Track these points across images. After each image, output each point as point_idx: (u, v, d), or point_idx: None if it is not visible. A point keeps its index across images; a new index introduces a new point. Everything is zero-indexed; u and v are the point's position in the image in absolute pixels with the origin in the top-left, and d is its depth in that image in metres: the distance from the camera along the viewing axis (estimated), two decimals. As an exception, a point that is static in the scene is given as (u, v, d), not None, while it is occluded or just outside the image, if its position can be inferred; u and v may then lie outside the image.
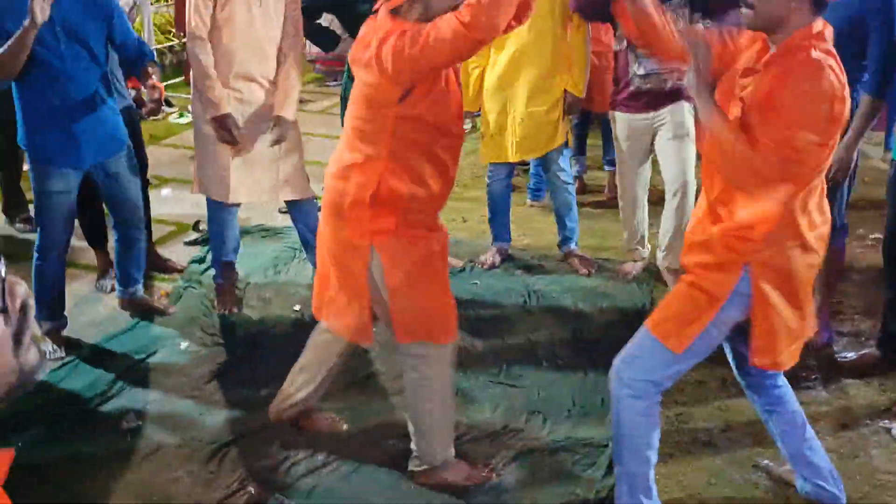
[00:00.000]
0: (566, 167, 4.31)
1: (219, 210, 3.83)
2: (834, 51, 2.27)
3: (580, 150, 5.47)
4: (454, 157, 2.67)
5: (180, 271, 4.33)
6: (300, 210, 3.89)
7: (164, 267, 4.34)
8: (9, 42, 2.99)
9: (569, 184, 4.33)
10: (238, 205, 3.88)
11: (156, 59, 3.49)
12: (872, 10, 3.15)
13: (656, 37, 2.57)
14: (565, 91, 4.09)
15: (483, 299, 4.09)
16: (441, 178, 2.62)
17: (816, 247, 2.41)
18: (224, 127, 3.55)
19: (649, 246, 4.28)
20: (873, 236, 4.58)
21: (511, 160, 4.25)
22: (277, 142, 3.64)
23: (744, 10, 2.33)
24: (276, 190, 3.80)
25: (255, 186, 3.76)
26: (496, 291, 4.16)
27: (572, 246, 4.42)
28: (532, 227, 4.91)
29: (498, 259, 4.43)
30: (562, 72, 4.05)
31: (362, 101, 2.56)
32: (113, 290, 3.97)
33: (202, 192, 3.81)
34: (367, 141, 2.54)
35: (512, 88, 4.06)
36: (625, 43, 3.82)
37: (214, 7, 3.51)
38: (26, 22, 2.91)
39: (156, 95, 3.39)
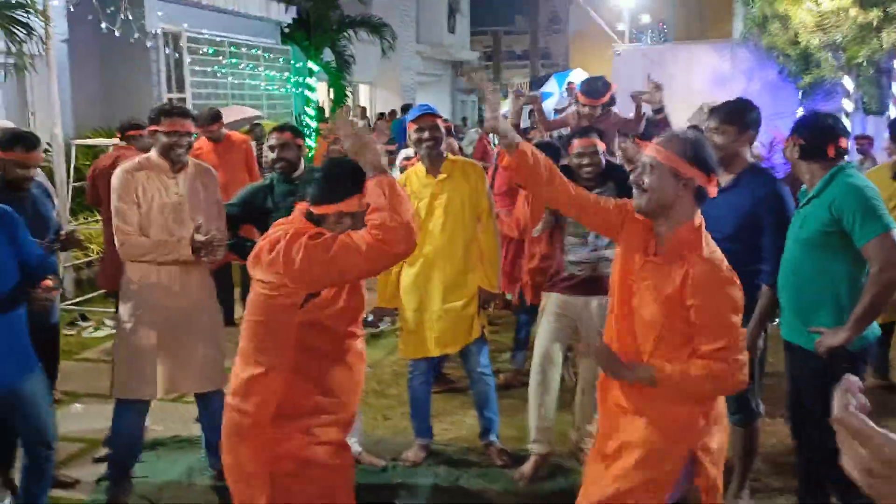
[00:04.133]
0: (484, 360, 4.38)
1: (128, 411, 3.81)
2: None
3: (523, 345, 5.58)
4: (360, 363, 2.62)
5: (72, 486, 4.14)
6: (210, 403, 3.87)
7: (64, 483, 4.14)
8: None
9: (487, 375, 4.40)
10: (147, 406, 3.84)
11: (59, 273, 3.52)
12: (766, 208, 3.42)
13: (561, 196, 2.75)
14: (479, 287, 4.25)
15: (407, 499, 3.99)
16: (347, 386, 2.56)
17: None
18: (205, 245, 3.64)
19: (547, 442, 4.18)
20: (783, 412, 4.73)
21: (432, 355, 4.32)
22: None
23: (636, 191, 2.54)
24: (193, 383, 3.82)
25: (172, 380, 3.79)
26: (421, 488, 4.08)
27: (492, 437, 4.42)
28: (454, 420, 4.91)
29: (421, 455, 4.38)
30: (475, 268, 4.23)
31: (261, 307, 2.46)
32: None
33: (117, 394, 3.79)
34: (268, 351, 2.44)
35: (427, 286, 4.19)
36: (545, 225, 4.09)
37: (139, 214, 3.70)
38: None
39: (48, 294, 3.35)
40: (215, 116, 6.86)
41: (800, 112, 10.50)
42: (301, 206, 2.58)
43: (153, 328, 3.76)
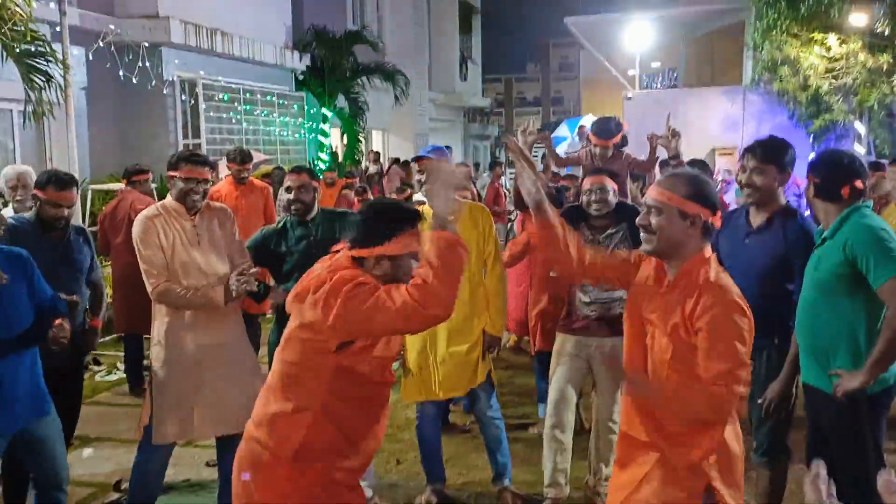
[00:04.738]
0: (493, 403, 4.33)
1: (153, 453, 3.78)
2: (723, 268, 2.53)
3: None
4: (382, 414, 2.60)
5: None
6: (233, 446, 3.85)
7: None
8: None
9: (497, 419, 4.35)
10: (172, 449, 3.84)
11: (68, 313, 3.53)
12: (798, 251, 3.38)
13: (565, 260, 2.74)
14: (484, 331, 4.22)
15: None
16: (371, 432, 2.55)
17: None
18: (239, 293, 3.67)
19: (563, 486, 4.15)
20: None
21: (437, 398, 4.28)
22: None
23: (644, 235, 2.55)
24: (224, 424, 3.80)
25: (207, 423, 3.79)
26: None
27: (505, 482, 4.36)
28: (467, 464, 4.86)
29: (434, 500, 4.32)
30: (480, 313, 4.20)
31: (295, 347, 2.45)
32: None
33: (159, 440, 3.77)
34: (298, 391, 2.43)
35: (433, 330, 4.13)
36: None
37: (165, 258, 3.73)
38: None
39: (62, 334, 3.34)
40: (248, 156, 6.97)
41: (811, 156, 10.50)
42: (348, 251, 2.55)
43: (189, 371, 3.76)
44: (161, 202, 3.92)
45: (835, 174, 3.15)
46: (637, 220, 2.59)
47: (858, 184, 3.14)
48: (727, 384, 2.36)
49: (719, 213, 2.55)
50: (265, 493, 2.43)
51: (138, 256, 3.77)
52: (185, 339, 3.77)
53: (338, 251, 2.58)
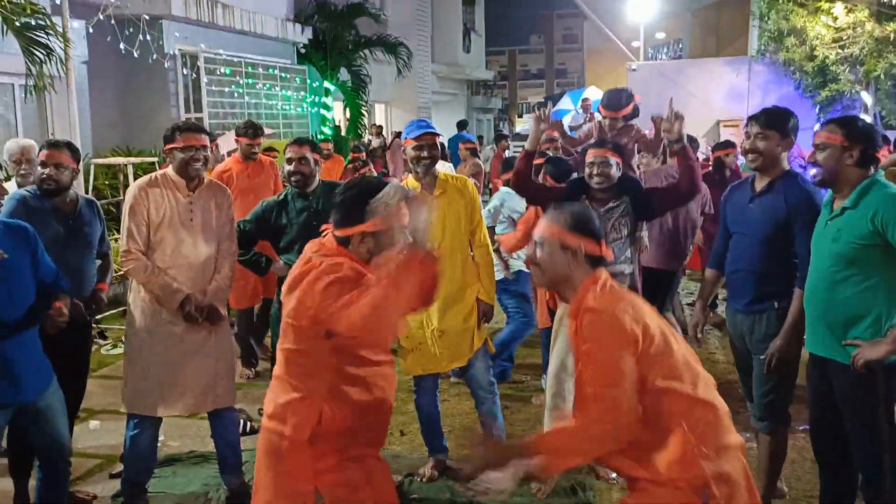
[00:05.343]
0: (490, 377, 4.34)
1: (140, 426, 3.81)
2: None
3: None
4: (390, 389, 2.65)
5: (89, 502, 4.16)
6: (222, 421, 3.87)
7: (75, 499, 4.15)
8: None
9: (493, 393, 4.36)
10: (159, 422, 3.86)
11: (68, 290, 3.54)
12: (799, 214, 3.41)
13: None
14: (478, 299, 4.22)
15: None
16: (380, 408, 2.60)
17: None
18: (184, 308, 3.70)
19: None
20: (802, 428, 4.67)
21: (437, 371, 4.30)
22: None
23: (532, 268, 2.55)
24: (201, 401, 3.82)
25: (181, 399, 3.79)
26: (436, 503, 4.06)
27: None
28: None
29: (437, 471, 4.35)
30: (472, 282, 4.20)
31: (292, 336, 2.53)
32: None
33: (129, 409, 3.79)
34: (304, 377, 2.49)
35: None
36: None
37: (148, 231, 3.71)
38: None
39: (60, 317, 3.34)
40: (260, 130, 6.45)
41: (816, 127, 10.41)
42: (334, 231, 2.62)
43: (162, 344, 3.76)
44: (162, 170, 3.91)
45: (873, 141, 3.12)
46: (527, 254, 2.57)
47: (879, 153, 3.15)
48: (605, 412, 2.26)
49: (604, 245, 2.50)
50: (289, 481, 2.50)
51: (122, 222, 3.79)
52: (159, 312, 3.77)
53: (326, 232, 2.64)
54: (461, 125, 15.63)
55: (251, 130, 6.31)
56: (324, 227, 2.68)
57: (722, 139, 10.44)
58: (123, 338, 3.91)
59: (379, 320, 2.32)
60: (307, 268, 2.50)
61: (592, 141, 5.70)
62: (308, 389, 2.48)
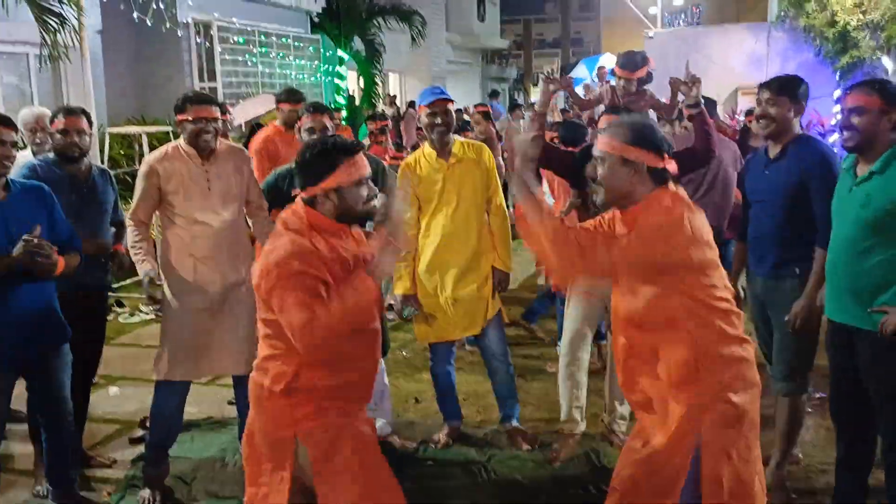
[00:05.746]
0: (503, 347, 4.36)
1: (170, 392, 3.82)
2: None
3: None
4: (370, 350, 2.68)
5: (109, 466, 4.23)
6: (243, 387, 3.91)
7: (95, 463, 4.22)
8: None
9: (506, 363, 4.37)
10: (188, 388, 3.88)
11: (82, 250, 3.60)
12: (813, 175, 3.41)
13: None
14: (494, 268, 4.23)
15: (437, 477, 4.01)
16: (357, 369, 2.63)
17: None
18: (143, 283, 3.76)
19: (579, 422, 4.22)
20: (818, 395, 4.67)
21: (452, 338, 4.31)
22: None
23: (594, 187, 2.53)
24: (235, 362, 3.83)
25: (217, 361, 3.84)
26: (450, 469, 4.09)
27: (514, 423, 4.41)
28: (485, 403, 4.91)
29: (451, 437, 4.38)
30: (487, 251, 4.21)
31: (261, 301, 2.58)
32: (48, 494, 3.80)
33: (162, 376, 3.80)
34: (280, 339, 2.54)
35: (443, 270, 4.17)
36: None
37: (162, 202, 3.76)
38: None
39: (51, 259, 3.30)
40: (301, 95, 5.95)
41: (837, 94, 10.31)
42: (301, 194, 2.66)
43: (195, 311, 3.78)
44: (176, 142, 3.91)
45: None
46: (586, 171, 2.56)
47: None
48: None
49: (668, 159, 2.49)
50: (267, 426, 2.61)
51: (136, 188, 3.83)
52: (191, 279, 3.78)
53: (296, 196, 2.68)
54: (493, 94, 15.56)
55: (294, 96, 5.87)
56: (294, 191, 2.71)
57: (739, 107, 10.34)
58: (149, 308, 3.92)
59: (313, 333, 2.39)
60: (269, 248, 2.54)
61: (604, 105, 5.64)
62: (286, 348, 2.53)
